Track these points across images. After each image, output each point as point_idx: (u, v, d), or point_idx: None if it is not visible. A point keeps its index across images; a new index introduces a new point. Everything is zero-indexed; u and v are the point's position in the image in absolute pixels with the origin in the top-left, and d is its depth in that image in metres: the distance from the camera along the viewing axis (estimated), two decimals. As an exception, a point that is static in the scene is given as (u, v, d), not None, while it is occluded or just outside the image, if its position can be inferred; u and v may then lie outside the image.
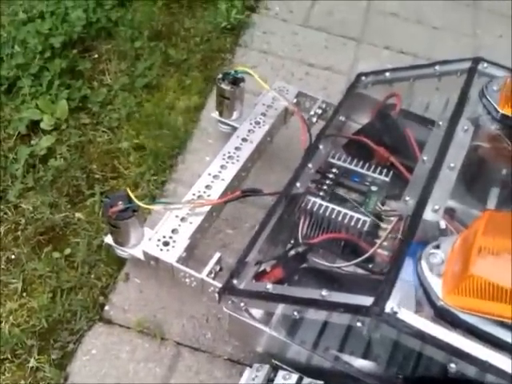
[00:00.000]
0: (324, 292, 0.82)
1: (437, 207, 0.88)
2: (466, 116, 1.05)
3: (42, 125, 1.50)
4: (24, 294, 1.21)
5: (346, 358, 0.91)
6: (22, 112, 1.51)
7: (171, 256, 1.03)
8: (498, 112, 1.04)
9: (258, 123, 1.30)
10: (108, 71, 1.68)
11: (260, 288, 0.91)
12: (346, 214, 1.02)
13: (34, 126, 1.50)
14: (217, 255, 1.04)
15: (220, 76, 1.32)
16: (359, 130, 1.25)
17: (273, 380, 0.93)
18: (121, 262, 1.27)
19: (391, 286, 0.75)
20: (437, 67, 1.19)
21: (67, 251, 1.28)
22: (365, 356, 0.91)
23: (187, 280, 1.03)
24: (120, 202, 1.05)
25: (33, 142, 1.46)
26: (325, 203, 1.04)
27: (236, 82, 1.31)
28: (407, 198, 0.94)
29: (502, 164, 1.06)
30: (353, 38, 1.96)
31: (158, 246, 1.05)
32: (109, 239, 1.12)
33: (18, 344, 1.14)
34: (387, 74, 1.24)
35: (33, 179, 1.39)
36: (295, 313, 0.85)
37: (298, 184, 1.06)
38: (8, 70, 1.57)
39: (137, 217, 1.06)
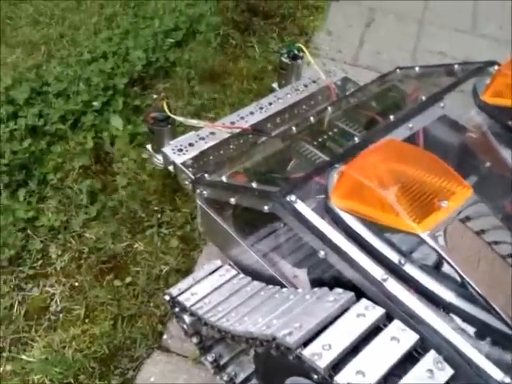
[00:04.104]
0: (254, 184, 0.99)
1: None
2: (450, 98, 1.11)
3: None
4: (86, 321, 1.26)
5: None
6: (85, 145, 1.59)
7: (180, 159, 1.28)
8: (479, 100, 1.10)
9: (296, 90, 1.46)
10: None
11: (217, 179, 1.10)
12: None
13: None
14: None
15: (283, 51, 1.48)
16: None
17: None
18: (178, 292, 1.31)
19: (296, 186, 0.91)
20: (456, 66, 1.28)
21: (128, 280, 1.33)
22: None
23: (186, 182, 1.26)
24: (159, 113, 1.31)
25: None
26: (314, 150, 1.17)
27: (295, 58, 1.47)
28: (356, 139, 1.03)
29: (481, 154, 1.13)
30: (401, 76, 1.99)
31: (173, 150, 1.29)
32: (149, 146, 1.36)
33: (81, 369, 1.18)
34: (417, 69, 1.35)
35: (95, 210, 1.45)
36: (232, 199, 1.01)
37: (293, 129, 1.18)
38: (74, 105, 1.66)
39: (170, 129, 1.31)
